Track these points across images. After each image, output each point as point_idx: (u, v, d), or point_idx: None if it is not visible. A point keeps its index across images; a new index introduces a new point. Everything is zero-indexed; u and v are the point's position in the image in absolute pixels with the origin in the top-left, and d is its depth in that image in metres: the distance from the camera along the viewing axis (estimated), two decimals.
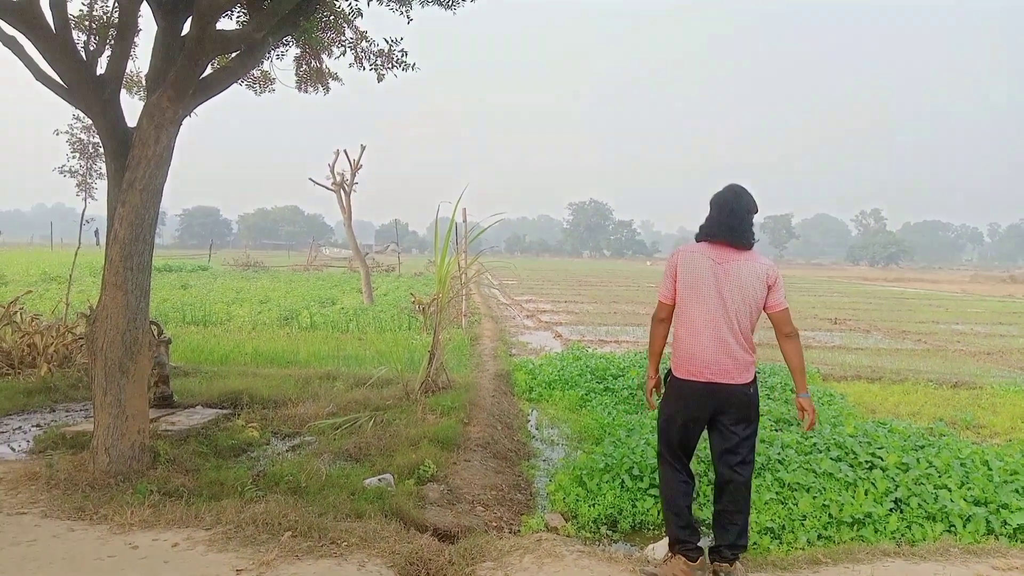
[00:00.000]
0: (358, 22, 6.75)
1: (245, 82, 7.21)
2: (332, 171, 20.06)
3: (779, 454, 5.63)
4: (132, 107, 5.69)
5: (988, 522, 4.66)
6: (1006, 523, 4.64)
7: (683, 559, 3.69)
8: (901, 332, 17.15)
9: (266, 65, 7.11)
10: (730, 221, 3.65)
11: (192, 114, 5.58)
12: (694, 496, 3.89)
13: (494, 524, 4.76)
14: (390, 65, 6.53)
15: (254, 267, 39.07)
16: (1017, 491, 5.05)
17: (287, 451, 6.04)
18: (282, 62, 7.10)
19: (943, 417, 7.81)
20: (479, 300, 22.56)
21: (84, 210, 10.51)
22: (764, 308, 3.66)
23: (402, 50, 6.52)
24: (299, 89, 7.15)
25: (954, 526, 4.64)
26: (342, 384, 8.11)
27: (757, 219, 3.81)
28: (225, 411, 7.02)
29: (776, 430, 6.51)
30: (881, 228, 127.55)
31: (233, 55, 5.90)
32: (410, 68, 6.59)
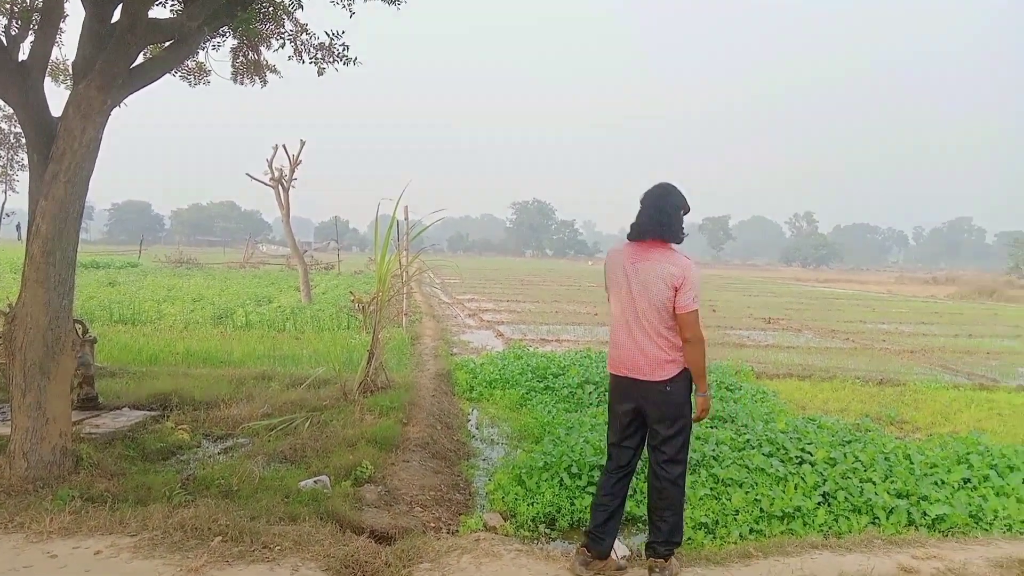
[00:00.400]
0: (298, 14, 6.61)
1: (179, 73, 6.98)
2: (270, 166, 19.64)
3: (714, 450, 5.75)
4: (58, 96, 5.45)
5: (909, 513, 4.86)
6: (926, 514, 4.84)
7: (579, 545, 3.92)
8: (831, 331, 17.74)
9: (201, 56, 6.90)
10: (659, 218, 3.69)
11: (122, 104, 5.37)
12: (627, 491, 3.93)
13: (432, 525, 4.73)
14: (331, 59, 6.40)
15: (187, 264, 37.92)
16: (936, 483, 5.28)
17: (219, 454, 5.88)
18: (218, 53, 6.89)
19: (869, 413, 8.10)
20: (420, 299, 22.41)
21: (4, 203, 10.03)
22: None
23: (343, 44, 6.40)
24: (235, 81, 6.96)
25: (878, 518, 4.82)
26: (278, 384, 7.94)
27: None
28: (153, 413, 6.78)
29: (712, 427, 6.64)
30: (813, 231, 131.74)
31: (166, 44, 5.70)
32: (352, 63, 6.47)
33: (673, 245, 3.73)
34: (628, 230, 3.82)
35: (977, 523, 4.84)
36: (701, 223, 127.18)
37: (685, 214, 3.80)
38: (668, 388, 3.67)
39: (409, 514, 4.86)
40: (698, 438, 6.11)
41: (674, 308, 3.62)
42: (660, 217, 3.69)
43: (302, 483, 5.00)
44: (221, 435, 6.38)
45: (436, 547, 4.00)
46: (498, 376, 9.08)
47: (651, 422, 3.75)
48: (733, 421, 6.90)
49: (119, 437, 5.88)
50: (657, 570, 3.71)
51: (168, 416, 6.67)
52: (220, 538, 3.88)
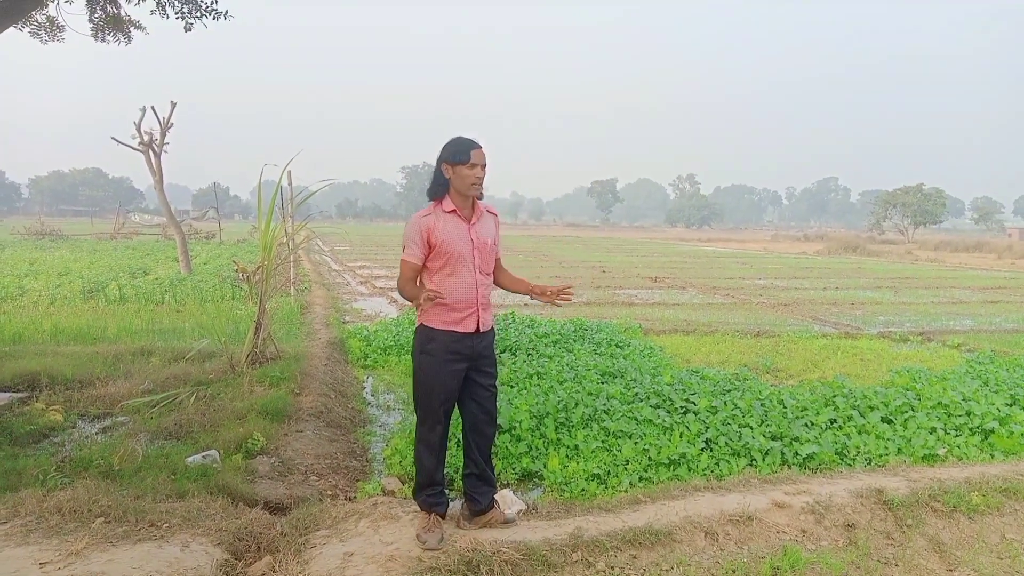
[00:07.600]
0: None
1: (27, 28, 6.39)
2: (138, 130, 18.41)
3: (604, 405, 5.96)
4: None
5: (783, 454, 5.22)
6: (797, 454, 5.21)
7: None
8: (712, 288, 18.61)
9: (52, 8, 6.34)
10: (434, 178, 3.80)
11: None
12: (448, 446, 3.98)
13: (329, 492, 4.69)
14: (199, 13, 5.99)
15: (51, 236, 35.40)
16: (806, 425, 5.69)
17: (97, 434, 5.57)
18: (72, 6, 6.33)
19: (747, 363, 8.59)
20: (309, 267, 21.82)
21: None
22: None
23: None
24: (95, 38, 6.43)
25: (755, 460, 5.15)
26: (159, 359, 7.57)
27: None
28: (21, 395, 6.34)
29: (603, 382, 6.86)
30: (695, 192, 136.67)
31: None
32: (222, 17, 6.08)
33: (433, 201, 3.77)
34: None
35: (842, 459, 5.25)
36: (590, 186, 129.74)
37: (457, 164, 3.71)
38: (415, 339, 3.74)
39: (305, 483, 4.79)
40: (590, 394, 6.32)
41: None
42: (434, 177, 3.78)
43: (189, 459, 4.82)
44: (98, 414, 6.04)
45: (333, 514, 3.97)
46: (392, 342, 9.01)
47: None
48: (623, 376, 7.15)
49: None
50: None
51: (37, 397, 6.24)
52: (102, 519, 3.69)
